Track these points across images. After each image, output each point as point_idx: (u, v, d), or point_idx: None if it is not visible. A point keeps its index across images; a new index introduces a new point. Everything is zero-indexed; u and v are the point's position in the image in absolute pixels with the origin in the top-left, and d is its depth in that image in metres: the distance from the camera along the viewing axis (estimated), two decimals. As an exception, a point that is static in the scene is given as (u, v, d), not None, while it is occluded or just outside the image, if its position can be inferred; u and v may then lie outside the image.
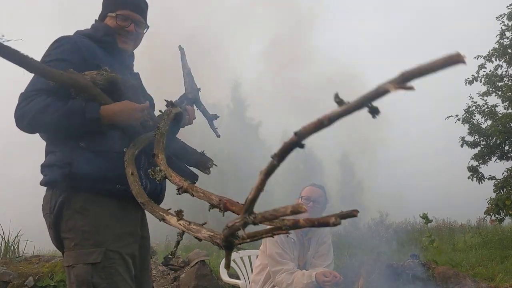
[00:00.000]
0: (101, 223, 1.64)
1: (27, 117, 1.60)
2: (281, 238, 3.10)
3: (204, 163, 1.97)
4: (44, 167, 1.72)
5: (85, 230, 1.63)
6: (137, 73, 2.08)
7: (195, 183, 1.63)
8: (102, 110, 1.62)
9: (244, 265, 4.04)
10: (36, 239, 5.94)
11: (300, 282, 2.96)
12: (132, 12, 1.92)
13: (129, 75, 1.94)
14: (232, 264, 4.00)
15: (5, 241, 5.62)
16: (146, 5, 2.00)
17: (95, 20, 2.00)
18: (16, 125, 1.65)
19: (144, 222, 1.89)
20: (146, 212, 1.84)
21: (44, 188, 1.76)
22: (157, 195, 1.81)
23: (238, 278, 3.93)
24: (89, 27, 1.95)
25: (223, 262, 3.99)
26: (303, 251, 3.23)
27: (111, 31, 1.90)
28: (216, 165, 1.97)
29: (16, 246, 5.67)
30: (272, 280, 3.15)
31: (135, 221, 1.78)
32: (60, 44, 1.77)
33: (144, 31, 1.99)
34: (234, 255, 4.10)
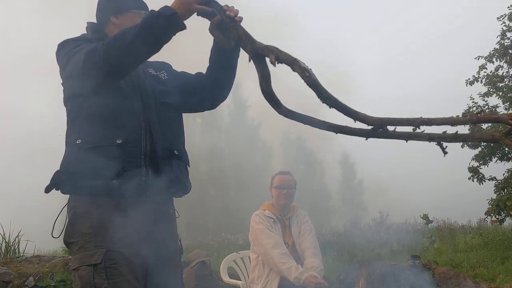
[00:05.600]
0: (101, 225, 1.63)
1: (113, 49, 1.55)
2: (262, 218, 3.47)
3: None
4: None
5: (86, 232, 1.64)
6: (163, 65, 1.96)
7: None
8: (172, 5, 1.56)
9: (245, 265, 4.03)
10: (37, 239, 5.94)
11: (290, 272, 3.20)
12: (140, 11, 1.82)
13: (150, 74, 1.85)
14: (233, 264, 4.01)
15: (6, 241, 5.62)
16: None
17: (88, 23, 1.87)
18: (101, 68, 1.57)
19: (161, 217, 1.77)
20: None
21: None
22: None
23: (238, 278, 3.93)
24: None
25: (223, 262, 3.99)
26: (286, 230, 3.56)
27: None
28: None
29: (16, 246, 5.66)
30: (262, 258, 3.41)
31: (144, 218, 1.68)
32: (72, 39, 1.76)
33: None
34: (234, 255, 4.10)
